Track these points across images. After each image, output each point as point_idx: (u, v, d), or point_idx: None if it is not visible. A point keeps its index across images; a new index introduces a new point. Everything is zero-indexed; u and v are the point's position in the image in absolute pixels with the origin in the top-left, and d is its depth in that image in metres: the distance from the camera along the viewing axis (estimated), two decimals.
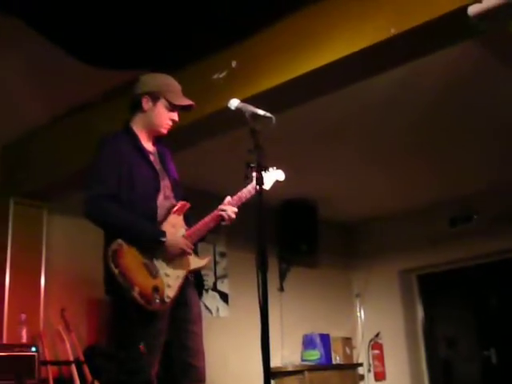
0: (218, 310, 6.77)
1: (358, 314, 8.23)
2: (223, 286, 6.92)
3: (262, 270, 2.31)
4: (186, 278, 2.88)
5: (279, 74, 3.78)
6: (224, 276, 6.95)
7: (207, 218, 2.94)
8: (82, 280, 5.54)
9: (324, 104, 4.51)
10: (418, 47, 3.48)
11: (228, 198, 2.98)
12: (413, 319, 8.02)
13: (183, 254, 2.85)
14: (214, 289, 6.79)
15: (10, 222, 5.42)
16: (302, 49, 3.70)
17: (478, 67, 4.46)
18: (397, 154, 6.03)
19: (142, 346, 2.58)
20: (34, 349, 4.67)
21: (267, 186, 2.74)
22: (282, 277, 7.44)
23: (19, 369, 4.48)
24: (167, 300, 2.76)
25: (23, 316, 5.02)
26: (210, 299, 6.68)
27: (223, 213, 2.92)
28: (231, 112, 2.77)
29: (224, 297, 6.89)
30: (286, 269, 7.55)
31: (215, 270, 6.85)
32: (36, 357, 4.62)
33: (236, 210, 2.96)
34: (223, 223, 2.95)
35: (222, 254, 6.94)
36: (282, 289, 7.35)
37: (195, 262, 2.92)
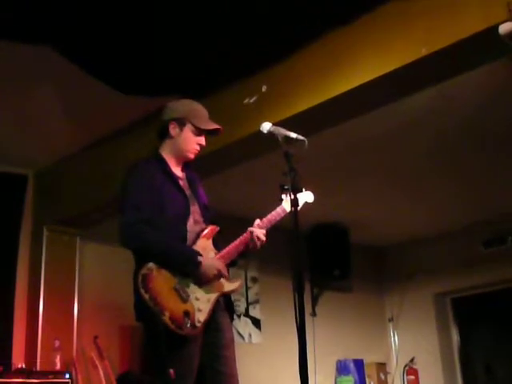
0: (250, 336, 6.72)
1: (392, 338, 8.10)
2: (255, 312, 6.86)
3: (299, 291, 2.29)
4: (217, 302, 2.84)
5: (309, 97, 3.78)
6: (256, 301, 6.90)
7: (237, 241, 2.92)
8: (114, 307, 5.54)
9: (353, 127, 4.49)
10: (449, 67, 3.46)
11: (257, 221, 2.96)
12: (448, 344, 7.86)
13: (218, 276, 2.82)
14: (246, 314, 6.74)
15: (44, 250, 5.48)
16: (332, 71, 3.70)
17: (507, 85, 4.40)
18: (428, 176, 5.96)
19: (172, 371, 2.55)
20: (67, 376, 4.67)
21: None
22: (314, 302, 7.36)
23: None
24: (198, 324, 2.72)
25: (57, 342, 5.05)
26: (242, 325, 6.63)
27: (252, 234, 2.90)
28: (263, 136, 2.76)
29: (256, 322, 6.83)
30: (318, 293, 7.47)
31: (247, 295, 6.81)
32: None
33: (265, 232, 2.93)
34: (252, 247, 2.92)
35: (254, 279, 6.90)
36: (314, 314, 7.27)
37: (226, 286, 2.89)
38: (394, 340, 8.07)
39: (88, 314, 5.54)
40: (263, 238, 2.91)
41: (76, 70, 4.03)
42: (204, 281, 2.78)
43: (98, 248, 5.75)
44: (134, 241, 2.76)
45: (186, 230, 2.87)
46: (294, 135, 2.68)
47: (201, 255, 2.79)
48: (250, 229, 2.92)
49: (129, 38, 3.82)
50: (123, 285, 5.32)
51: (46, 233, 5.51)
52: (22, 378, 4.47)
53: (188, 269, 2.76)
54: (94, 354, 5.28)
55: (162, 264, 2.73)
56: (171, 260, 2.75)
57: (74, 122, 4.89)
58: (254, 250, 2.95)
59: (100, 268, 5.75)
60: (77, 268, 5.57)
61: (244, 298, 6.72)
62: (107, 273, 5.70)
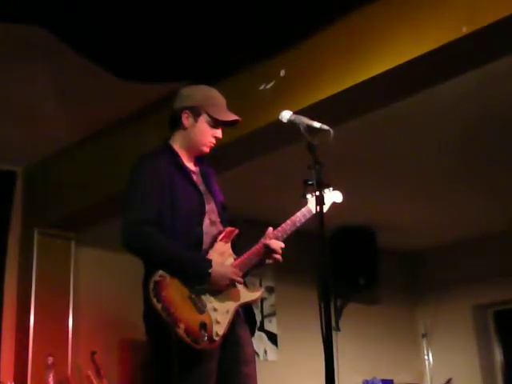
0: (265, 352, 6.74)
1: (426, 356, 8.08)
2: (271, 326, 6.89)
3: (325, 299, 2.30)
4: (236, 313, 2.85)
5: (335, 82, 3.79)
6: (272, 314, 6.92)
7: (250, 252, 2.92)
8: (113, 319, 5.58)
9: (380, 117, 4.50)
10: (491, 48, 3.44)
11: (270, 230, 2.94)
12: (490, 362, 7.82)
13: (232, 284, 2.84)
14: (261, 329, 6.77)
15: (35, 255, 5.52)
16: (360, 53, 3.70)
17: None
18: (468, 172, 5.95)
19: None
20: None
21: (324, 208, 2.72)
22: (338, 314, 7.37)
23: None
24: (216, 338, 2.73)
25: (50, 359, 5.07)
26: (257, 340, 6.64)
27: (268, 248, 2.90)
28: (283, 126, 2.77)
29: (272, 338, 6.85)
30: (342, 305, 7.48)
31: (262, 307, 6.83)
32: None
33: (282, 245, 2.92)
34: (268, 261, 2.94)
35: (270, 289, 6.91)
36: (337, 328, 7.28)
37: (246, 295, 2.89)
38: (428, 358, 8.06)
39: (84, 327, 5.57)
40: (279, 253, 2.91)
41: (72, 53, 4.05)
42: (217, 290, 2.80)
43: (96, 253, 5.79)
44: (136, 244, 2.76)
45: (202, 232, 2.87)
46: (317, 124, 2.68)
47: (211, 264, 2.78)
48: (264, 242, 2.91)
49: (129, 17, 3.83)
50: (124, 295, 5.35)
51: (37, 236, 5.55)
52: None
53: (197, 279, 2.76)
54: (91, 372, 5.30)
55: (169, 272, 2.73)
56: (178, 268, 2.75)
57: (69, 111, 4.91)
58: (268, 264, 2.97)
59: (98, 276, 5.78)
60: (72, 276, 5.60)
61: (259, 311, 6.73)
62: (106, 281, 5.73)
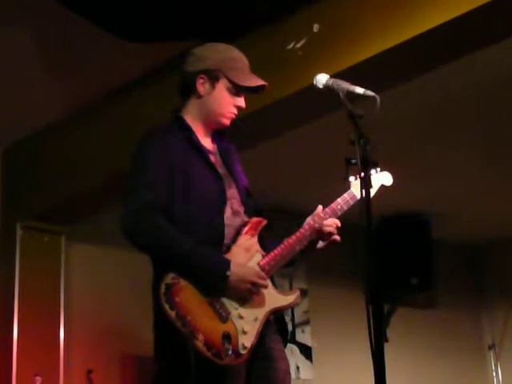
0: (298, 369, 6.77)
1: (494, 372, 8.08)
2: (304, 337, 6.93)
3: (374, 301, 2.30)
4: (267, 321, 2.85)
5: (381, 38, 3.78)
6: (305, 322, 6.96)
7: (291, 239, 2.93)
8: (114, 330, 5.61)
9: (438, 78, 4.49)
10: None
11: (320, 208, 2.97)
12: None
13: (253, 290, 2.83)
14: (292, 340, 6.80)
15: (18, 254, 5.57)
16: (409, 4, 3.69)
17: None
18: None
19: None
20: None
21: (371, 192, 2.74)
22: (385, 322, 7.38)
23: None
24: (243, 352, 2.74)
25: (38, 379, 5.12)
26: (288, 355, 6.63)
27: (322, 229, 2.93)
28: (317, 92, 2.78)
29: (306, 351, 6.90)
30: (390, 311, 7.51)
31: (293, 314, 6.86)
32: None
33: (336, 223, 2.95)
34: (321, 244, 2.97)
35: (302, 293, 6.91)
36: (385, 338, 7.29)
37: (279, 299, 2.90)
38: (497, 374, 8.06)
39: (79, 340, 5.64)
40: (334, 233, 2.94)
41: (62, 10, 4.06)
42: (235, 297, 2.81)
43: (92, 250, 5.83)
44: (142, 234, 2.76)
45: (223, 224, 2.88)
46: (360, 90, 2.68)
47: (229, 267, 2.77)
48: (315, 219, 2.94)
49: None
50: (127, 300, 5.38)
51: (19, 231, 5.61)
52: None
53: (212, 282, 2.77)
54: None
55: (178, 272, 2.74)
56: (188, 268, 2.76)
57: (57, 81, 4.93)
58: (319, 250, 3.00)
59: (94, 278, 5.82)
60: (62, 278, 5.65)
61: (289, 318, 6.76)
62: (105, 284, 5.77)
